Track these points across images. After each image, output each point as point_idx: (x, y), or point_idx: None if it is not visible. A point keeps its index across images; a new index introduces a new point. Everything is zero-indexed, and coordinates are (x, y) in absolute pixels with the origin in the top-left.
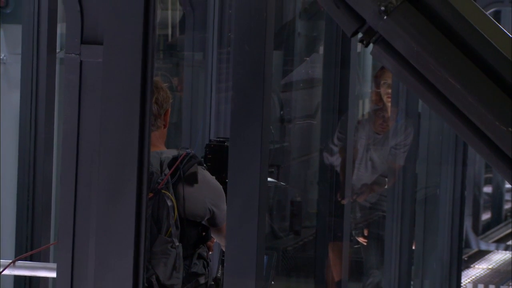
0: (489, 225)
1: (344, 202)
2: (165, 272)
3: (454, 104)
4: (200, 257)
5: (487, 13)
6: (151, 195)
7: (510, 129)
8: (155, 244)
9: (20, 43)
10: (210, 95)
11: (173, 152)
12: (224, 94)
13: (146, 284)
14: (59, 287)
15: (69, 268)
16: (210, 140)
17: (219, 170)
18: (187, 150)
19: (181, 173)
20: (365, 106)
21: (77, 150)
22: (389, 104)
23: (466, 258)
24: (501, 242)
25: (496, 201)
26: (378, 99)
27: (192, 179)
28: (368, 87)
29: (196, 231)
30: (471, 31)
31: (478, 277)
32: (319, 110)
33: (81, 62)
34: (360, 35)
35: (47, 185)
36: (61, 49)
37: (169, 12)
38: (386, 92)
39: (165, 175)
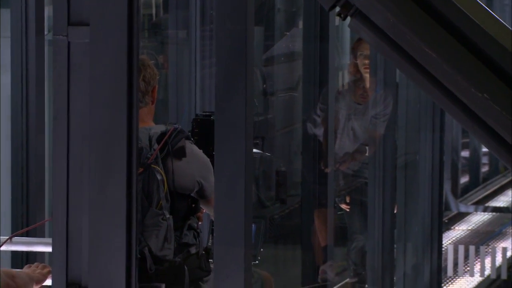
0: (467, 188)
1: (328, 170)
2: (157, 244)
3: (430, 72)
4: (191, 228)
5: None
6: (141, 170)
7: (484, 94)
8: (147, 217)
9: (9, 26)
10: (194, 71)
11: (161, 128)
12: (208, 70)
13: (139, 256)
14: (55, 260)
15: (64, 242)
16: (196, 115)
17: (206, 143)
18: (175, 125)
19: (170, 147)
20: (345, 77)
21: (68, 129)
22: (367, 75)
23: (446, 221)
24: (479, 204)
25: (473, 164)
26: (355, 70)
27: (180, 153)
28: (347, 59)
29: (185, 203)
30: (447, 3)
31: (458, 238)
32: (300, 82)
33: (68, 43)
34: (337, 8)
35: (40, 163)
36: (49, 31)
37: None
38: (363, 63)
39: (154, 150)
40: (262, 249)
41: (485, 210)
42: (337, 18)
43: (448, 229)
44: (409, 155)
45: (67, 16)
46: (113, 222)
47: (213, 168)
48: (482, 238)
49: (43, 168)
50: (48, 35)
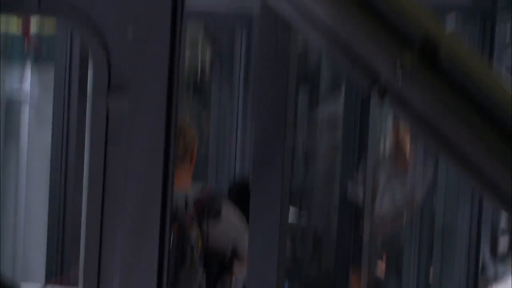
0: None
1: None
2: None
3: (469, 163)
4: (224, 286)
5: None
6: (176, 231)
7: None
8: (180, 276)
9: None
10: (235, 133)
11: (198, 189)
12: (249, 133)
13: None
14: None
15: None
16: (234, 183)
17: (243, 210)
18: (212, 188)
19: (206, 209)
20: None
21: (103, 191)
22: (408, 143)
23: None
24: None
25: None
26: (397, 141)
27: (216, 215)
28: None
29: (219, 262)
30: (488, 95)
31: None
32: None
33: (108, 112)
34: (376, 87)
35: (76, 218)
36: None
37: (199, 54)
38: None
39: (190, 211)
40: None
41: None
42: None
43: None
44: (448, 220)
45: (108, 82)
46: (145, 279)
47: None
48: None
49: (79, 223)
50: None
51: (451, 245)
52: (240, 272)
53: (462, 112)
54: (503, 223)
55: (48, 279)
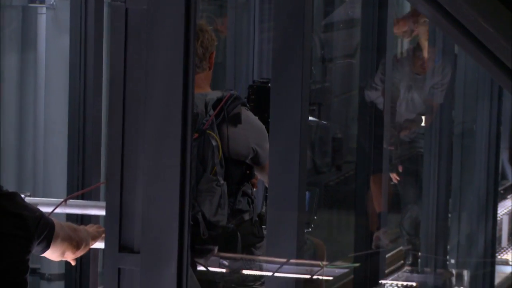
0: None
1: (391, 148)
2: (210, 209)
3: (486, 46)
4: (245, 194)
5: None
6: (196, 135)
7: None
8: (201, 183)
9: None
10: (253, 36)
11: (217, 94)
12: (266, 34)
13: (192, 222)
14: (108, 224)
15: (118, 206)
16: (253, 81)
17: (262, 110)
18: (231, 92)
19: (225, 113)
20: (404, 45)
21: (124, 93)
22: (426, 44)
23: (502, 191)
24: None
25: None
26: (407, 33)
27: (236, 120)
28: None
29: (240, 169)
30: None
31: None
32: (358, 49)
33: (126, 9)
34: None
35: (97, 126)
36: None
37: None
38: (424, 30)
39: (210, 116)
40: (316, 217)
41: None
42: None
43: (504, 198)
44: (467, 123)
45: None
46: (167, 187)
47: (269, 135)
48: None
49: (100, 132)
50: None
51: (470, 150)
52: (262, 177)
53: None
54: None
55: (70, 193)
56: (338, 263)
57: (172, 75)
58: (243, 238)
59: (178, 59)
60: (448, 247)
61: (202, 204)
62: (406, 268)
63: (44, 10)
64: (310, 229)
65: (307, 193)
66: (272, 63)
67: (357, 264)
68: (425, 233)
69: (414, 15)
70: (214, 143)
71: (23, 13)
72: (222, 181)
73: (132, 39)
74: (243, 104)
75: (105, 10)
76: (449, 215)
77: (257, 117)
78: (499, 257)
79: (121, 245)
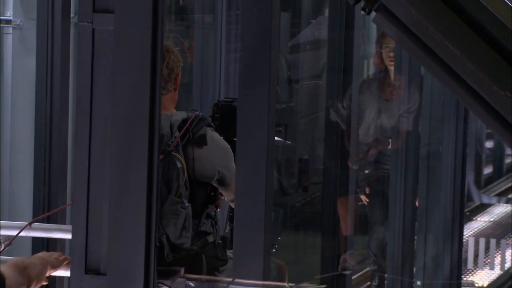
0: (491, 179)
1: (356, 167)
2: (175, 232)
3: (452, 68)
4: (209, 216)
5: None
6: (161, 157)
7: (507, 93)
8: (166, 205)
9: (36, 9)
10: (220, 56)
11: (182, 115)
12: (233, 55)
13: (157, 244)
14: (74, 246)
15: (84, 228)
16: (218, 100)
17: (227, 129)
18: (196, 112)
19: (191, 135)
20: (370, 67)
21: (90, 114)
22: (392, 68)
23: (468, 212)
24: (502, 196)
25: (497, 155)
26: (380, 62)
27: (201, 141)
28: (372, 48)
29: (205, 191)
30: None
31: (480, 230)
32: (325, 70)
33: (93, 30)
34: (362, 3)
35: (62, 148)
36: (75, 15)
37: None
38: (388, 55)
39: (175, 137)
40: (279, 238)
41: (508, 201)
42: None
43: (470, 220)
44: (432, 145)
45: (92, 3)
46: (133, 209)
47: (235, 155)
48: (504, 230)
49: (66, 153)
50: (74, 18)
51: (436, 171)
52: (228, 197)
53: (449, 20)
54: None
55: (35, 216)
56: (305, 284)
57: (138, 96)
58: (207, 261)
59: (144, 79)
60: (414, 269)
61: (167, 227)
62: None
63: (10, 30)
64: (274, 250)
65: (272, 214)
66: (239, 83)
67: (323, 286)
68: (391, 255)
69: (378, 40)
70: (179, 164)
71: None
72: (187, 203)
73: (98, 59)
74: (208, 125)
75: (72, 30)
76: (415, 236)
77: (222, 137)
78: (465, 279)
79: (88, 267)
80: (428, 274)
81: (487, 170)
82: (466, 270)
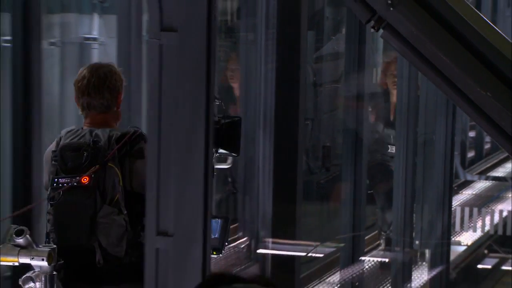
0: (473, 161)
1: None
2: (109, 241)
3: (445, 74)
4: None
5: None
6: (98, 167)
7: (487, 93)
8: (99, 214)
9: (115, 29)
10: (260, 65)
11: (123, 130)
12: (270, 65)
13: (89, 250)
14: (149, 213)
15: (156, 199)
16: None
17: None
18: (136, 129)
19: (128, 148)
20: (378, 73)
21: (159, 114)
22: (395, 91)
23: (455, 187)
24: (482, 174)
25: (478, 142)
26: (385, 84)
27: (139, 155)
28: (379, 57)
29: (142, 202)
30: (459, 19)
31: (465, 201)
32: (343, 76)
33: (160, 45)
34: (372, 22)
35: None
36: (146, 33)
37: (228, 2)
38: (392, 81)
39: (112, 149)
40: (226, 244)
41: (487, 178)
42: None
43: (457, 193)
44: (428, 135)
45: (160, 24)
46: (194, 187)
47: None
48: (484, 201)
49: None
50: (145, 36)
51: (431, 155)
52: None
53: (441, 35)
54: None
55: None
56: (328, 243)
57: (196, 98)
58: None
59: (201, 84)
60: (414, 232)
61: (100, 234)
62: (381, 247)
63: (96, 46)
64: (220, 255)
65: (218, 220)
66: (275, 87)
67: (342, 244)
68: (396, 220)
69: (384, 69)
70: (115, 175)
71: (80, 48)
72: (122, 213)
73: (165, 70)
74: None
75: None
76: (414, 205)
77: None
78: (453, 239)
79: (158, 229)
80: (424, 235)
81: (470, 154)
82: (454, 232)
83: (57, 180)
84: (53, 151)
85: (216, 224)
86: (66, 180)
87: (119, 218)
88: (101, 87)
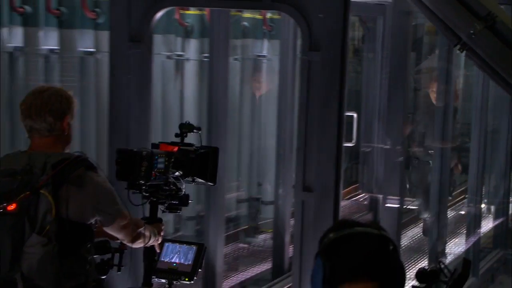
0: None
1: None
2: (35, 271)
3: (510, 82)
4: (81, 257)
5: None
6: (28, 194)
7: None
8: (28, 243)
9: (278, 49)
10: (379, 76)
11: (64, 156)
12: (385, 75)
13: (10, 283)
14: (298, 174)
15: (303, 166)
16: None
17: (127, 174)
18: (79, 154)
19: (66, 175)
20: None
21: (306, 114)
22: (434, 95)
23: None
24: None
25: None
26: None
27: (77, 182)
28: (460, 71)
29: (78, 231)
30: None
31: None
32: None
33: (309, 61)
34: (458, 46)
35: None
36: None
37: (356, 32)
38: (433, 95)
39: (47, 175)
40: (200, 270)
41: None
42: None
43: None
44: (495, 125)
45: (309, 45)
46: (328, 159)
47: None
48: None
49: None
50: (298, 55)
51: (497, 139)
52: (115, 235)
53: (508, 58)
54: None
55: None
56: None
57: (329, 104)
58: None
59: (335, 92)
60: (483, 193)
61: (24, 265)
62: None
63: (265, 61)
64: (192, 282)
65: (194, 247)
66: (388, 91)
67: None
68: (470, 186)
69: (430, 86)
70: (47, 203)
71: (254, 62)
72: (52, 243)
73: (311, 80)
74: (89, 167)
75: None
76: (484, 175)
77: (106, 180)
78: (511, 199)
79: (304, 186)
80: (491, 196)
81: None
82: None
83: None
84: None
85: (189, 251)
86: None
87: (47, 248)
88: (43, 110)
